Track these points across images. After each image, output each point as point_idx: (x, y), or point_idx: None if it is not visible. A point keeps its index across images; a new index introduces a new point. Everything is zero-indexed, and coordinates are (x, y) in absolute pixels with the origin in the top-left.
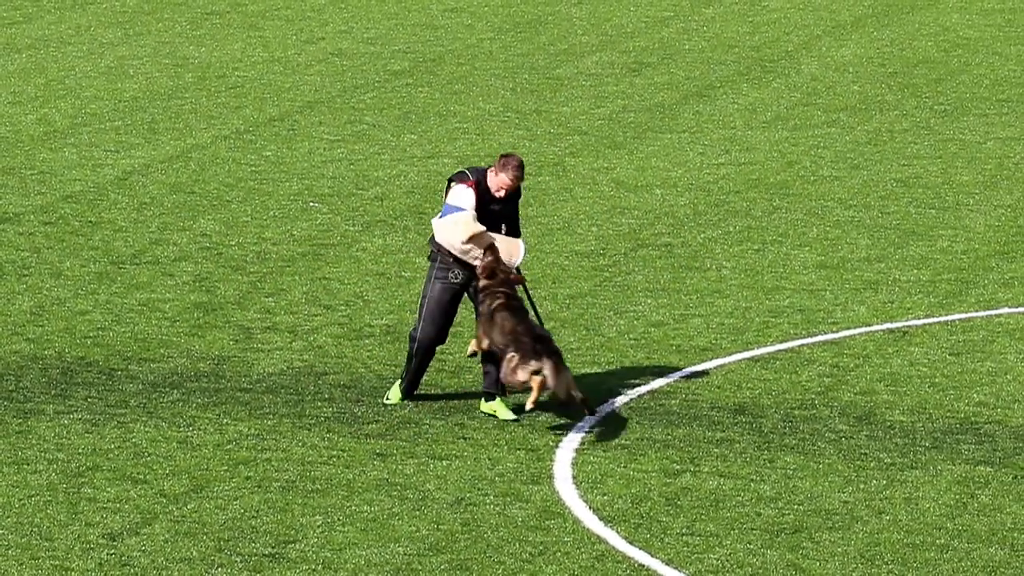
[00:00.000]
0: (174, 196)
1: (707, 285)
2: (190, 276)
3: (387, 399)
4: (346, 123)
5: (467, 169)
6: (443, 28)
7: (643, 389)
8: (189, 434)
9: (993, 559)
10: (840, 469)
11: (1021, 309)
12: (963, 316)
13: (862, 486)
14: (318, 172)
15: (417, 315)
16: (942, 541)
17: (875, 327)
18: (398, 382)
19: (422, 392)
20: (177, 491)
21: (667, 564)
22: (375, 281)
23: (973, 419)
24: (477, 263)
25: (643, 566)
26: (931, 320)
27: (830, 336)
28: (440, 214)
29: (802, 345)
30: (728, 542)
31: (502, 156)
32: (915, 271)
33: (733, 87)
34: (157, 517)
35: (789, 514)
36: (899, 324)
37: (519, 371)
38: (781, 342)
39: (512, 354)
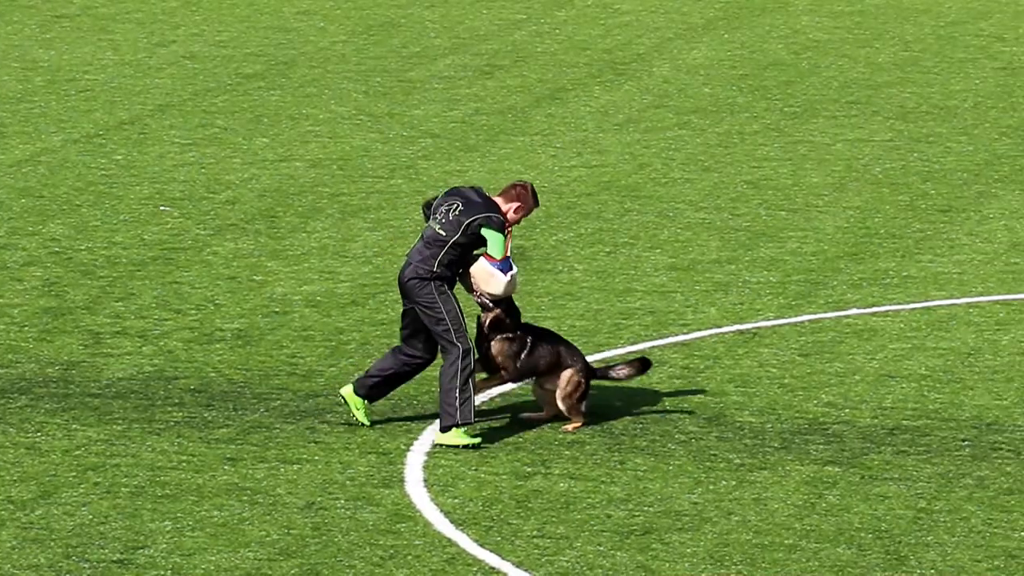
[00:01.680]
0: (23, 200)
1: (559, 287)
2: (39, 281)
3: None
4: (197, 126)
5: (492, 207)
6: (295, 31)
7: (494, 392)
8: (37, 440)
9: (840, 559)
10: (690, 470)
11: (870, 310)
12: (812, 317)
13: (712, 487)
14: (169, 176)
15: (444, 325)
16: (790, 541)
17: (725, 328)
18: (455, 439)
19: (273, 396)
20: (25, 497)
21: (518, 567)
22: (226, 285)
23: (822, 420)
24: (480, 302)
25: (494, 569)
26: (781, 321)
27: (680, 338)
28: (488, 251)
29: (653, 347)
30: (578, 544)
31: (518, 186)
32: (765, 273)
33: (585, 90)
34: (4, 524)
35: (639, 515)
36: (749, 325)
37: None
38: (632, 344)
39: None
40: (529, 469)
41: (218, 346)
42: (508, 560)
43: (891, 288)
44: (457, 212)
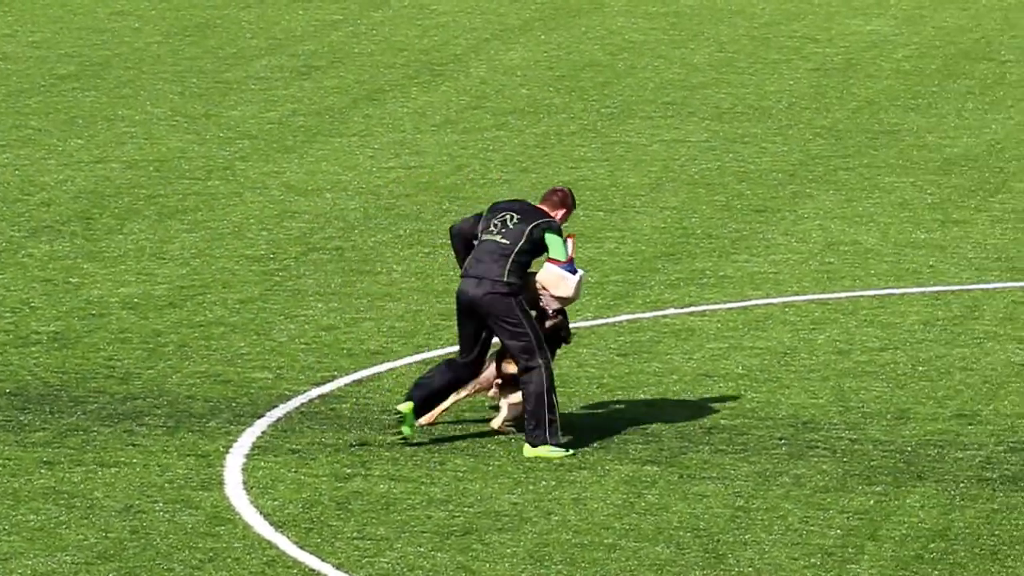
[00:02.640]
0: None
1: (378, 288)
2: None
3: (554, 458)
4: (11, 128)
5: (546, 214)
6: (110, 32)
7: (314, 393)
8: None
9: (660, 557)
10: (510, 471)
11: (687, 310)
12: (630, 317)
13: (531, 487)
14: None
15: (527, 340)
16: (610, 540)
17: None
18: (546, 454)
19: (90, 399)
20: None
21: (338, 568)
22: (42, 288)
23: (640, 419)
24: (547, 306)
25: (314, 571)
26: (599, 322)
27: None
28: (552, 255)
29: None
30: (399, 545)
31: (559, 191)
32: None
33: (402, 91)
34: None
35: (459, 516)
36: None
37: None
38: (452, 345)
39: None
40: (349, 471)
41: (34, 349)
42: (328, 562)
43: (708, 288)
44: (516, 221)
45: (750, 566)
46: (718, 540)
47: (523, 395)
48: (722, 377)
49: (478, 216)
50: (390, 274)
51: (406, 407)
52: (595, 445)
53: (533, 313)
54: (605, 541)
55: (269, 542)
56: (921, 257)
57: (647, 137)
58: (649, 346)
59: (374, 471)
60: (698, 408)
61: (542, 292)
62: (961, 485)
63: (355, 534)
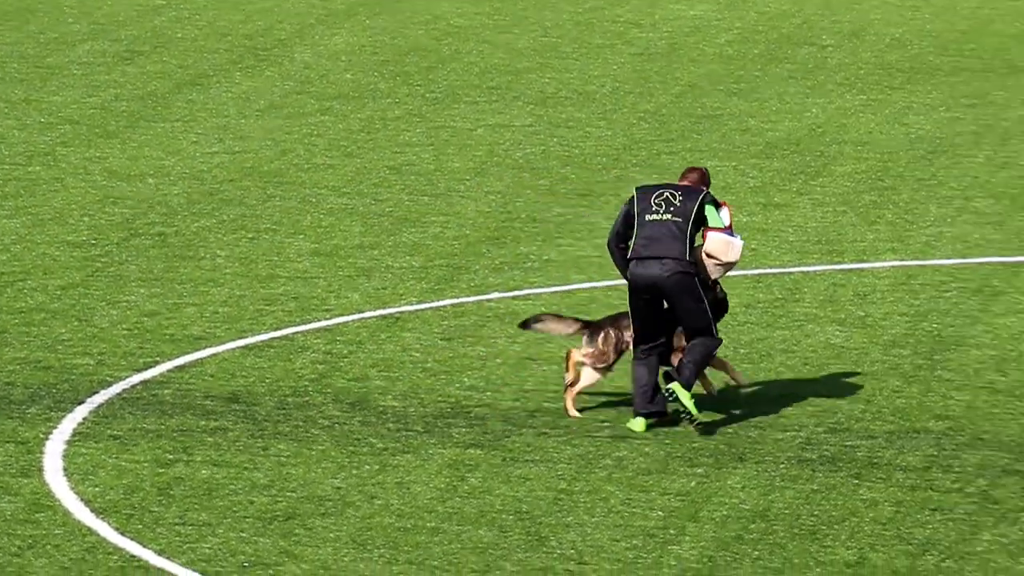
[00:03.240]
0: None
1: (201, 274)
2: None
3: (695, 416)
4: None
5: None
6: None
7: (136, 379)
8: None
9: (483, 540)
10: (333, 455)
11: (511, 294)
12: (454, 301)
13: (355, 472)
14: None
15: (707, 315)
16: (433, 524)
17: (368, 313)
18: (684, 397)
19: None
20: None
21: (159, 554)
22: None
23: (464, 403)
24: (709, 276)
25: (135, 557)
26: (423, 306)
27: (323, 323)
28: (712, 224)
29: (296, 332)
30: (221, 531)
31: (696, 169)
32: (408, 257)
33: (226, 76)
34: None
35: (282, 501)
36: (392, 310)
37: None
38: (275, 330)
39: None
40: (171, 456)
41: None
42: (149, 548)
43: (532, 272)
44: (680, 199)
45: (572, 548)
46: (540, 523)
47: (687, 352)
48: (545, 360)
49: (627, 213)
50: (213, 259)
51: (639, 425)
52: (418, 429)
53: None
54: (428, 525)
55: (90, 528)
56: (744, 240)
57: (472, 122)
58: (473, 330)
59: (196, 457)
60: (521, 391)
61: (707, 261)
62: (781, 466)
63: (177, 520)
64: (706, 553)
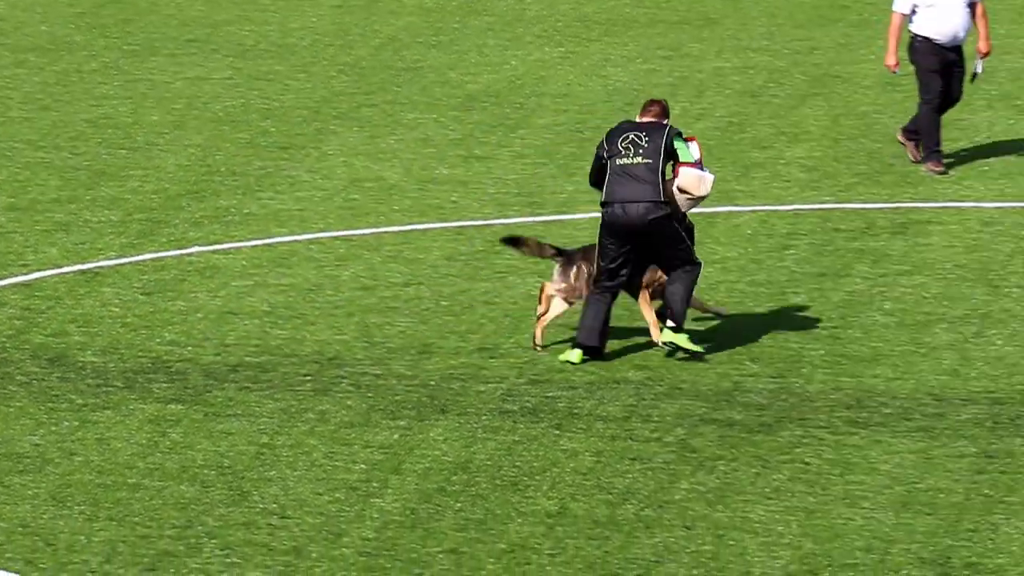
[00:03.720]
0: None
1: None
2: None
3: (701, 351)
4: None
5: (660, 123)
6: None
7: None
8: None
9: (184, 496)
10: (32, 412)
11: (211, 248)
12: (154, 256)
13: (54, 428)
14: None
15: (686, 252)
16: (133, 480)
17: (66, 268)
18: (682, 341)
19: None
20: None
21: None
22: None
23: (165, 358)
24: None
25: None
26: (123, 260)
27: (21, 278)
28: (683, 159)
29: None
30: None
31: (657, 102)
32: (106, 212)
33: None
34: None
35: None
36: (90, 265)
37: None
38: None
39: None
40: None
41: None
42: None
43: (233, 226)
44: (647, 140)
45: (275, 502)
46: (243, 477)
47: (671, 289)
48: (247, 315)
49: (600, 159)
50: None
51: (576, 356)
52: (119, 385)
53: None
54: (129, 481)
55: None
56: (444, 192)
57: (170, 75)
58: (173, 284)
59: None
60: (223, 346)
61: (678, 196)
62: (483, 418)
63: None
64: (408, 505)
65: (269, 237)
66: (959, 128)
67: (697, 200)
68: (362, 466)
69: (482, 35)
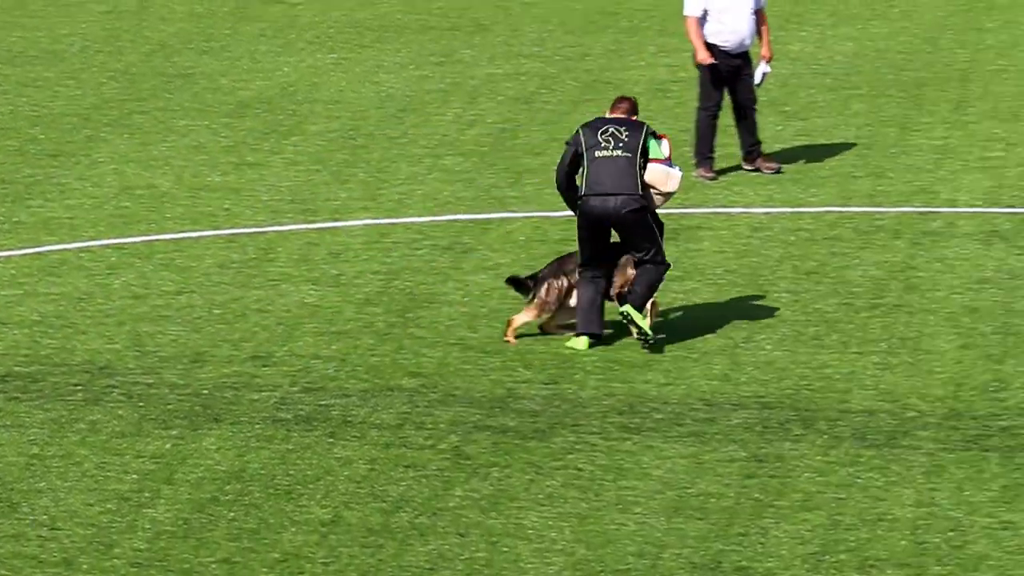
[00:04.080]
0: None
1: None
2: None
3: (649, 335)
4: None
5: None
6: None
7: None
8: None
9: None
10: None
11: None
12: None
13: None
14: None
15: (657, 246)
16: None
17: None
18: (639, 317)
19: None
20: None
21: None
22: None
23: None
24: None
25: None
26: None
27: None
28: (653, 156)
29: None
30: None
31: (626, 100)
32: None
33: None
34: None
35: None
36: None
37: None
38: None
39: None
40: None
41: None
42: None
43: (2, 234)
44: (626, 135)
45: (45, 514)
46: (12, 489)
47: (638, 277)
48: (16, 324)
49: (575, 152)
50: None
51: (582, 343)
52: None
53: None
54: None
55: None
56: (216, 200)
57: None
58: None
59: None
60: None
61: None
62: (257, 426)
63: None
64: (181, 515)
65: (39, 246)
66: (728, 134)
67: (666, 196)
68: (134, 476)
69: (254, 41)
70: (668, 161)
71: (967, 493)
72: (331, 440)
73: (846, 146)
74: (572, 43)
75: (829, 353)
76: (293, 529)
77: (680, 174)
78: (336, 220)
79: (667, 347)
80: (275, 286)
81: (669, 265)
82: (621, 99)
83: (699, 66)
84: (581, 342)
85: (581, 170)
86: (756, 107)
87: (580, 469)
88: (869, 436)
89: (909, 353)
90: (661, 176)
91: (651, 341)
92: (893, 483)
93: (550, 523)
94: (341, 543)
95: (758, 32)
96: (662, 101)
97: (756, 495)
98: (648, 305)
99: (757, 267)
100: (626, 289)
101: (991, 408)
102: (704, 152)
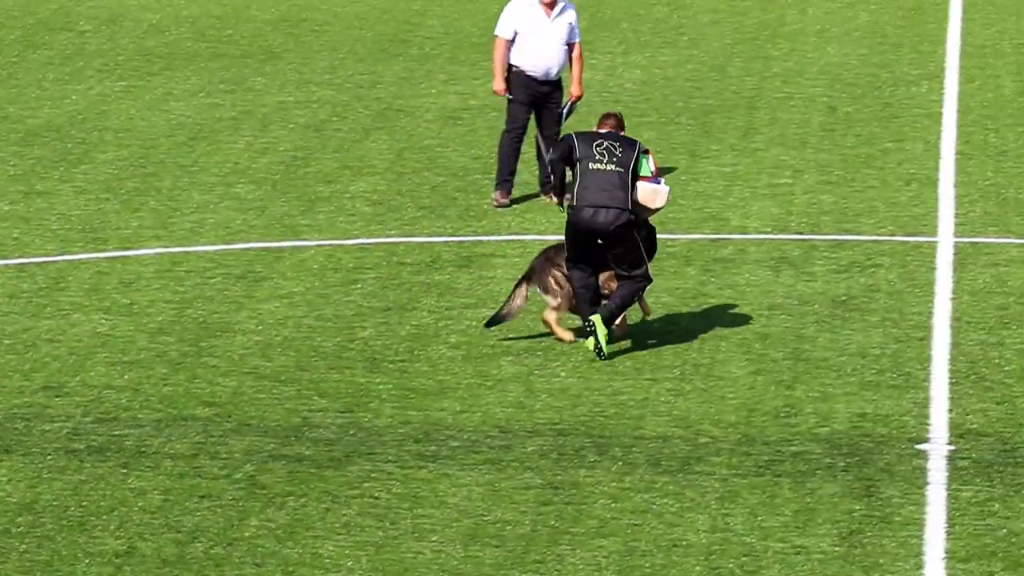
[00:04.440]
0: None
1: None
2: None
3: (604, 351)
4: None
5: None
6: None
7: None
8: None
9: None
10: None
11: None
12: None
13: None
14: None
15: (642, 262)
16: None
17: None
18: (601, 331)
19: None
20: None
21: None
22: None
23: None
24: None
25: None
26: None
27: None
28: (637, 174)
29: None
30: None
31: (613, 116)
32: None
33: None
34: None
35: None
36: None
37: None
38: None
39: None
40: None
41: None
42: None
43: None
44: (620, 151)
45: None
46: None
47: (617, 290)
48: None
49: (568, 150)
50: None
51: (601, 333)
52: None
53: None
54: None
55: None
56: (5, 229)
57: None
58: None
59: None
60: None
61: (637, 208)
62: (48, 457)
63: None
64: None
65: None
66: (523, 162)
67: (653, 212)
68: None
69: (42, 69)
70: (655, 177)
71: (760, 518)
72: (124, 471)
73: None
74: (363, 71)
75: (623, 380)
76: (87, 561)
77: (667, 189)
78: (127, 249)
79: (462, 374)
80: (66, 316)
81: (650, 281)
82: (608, 115)
83: (508, 88)
84: (592, 342)
85: (573, 177)
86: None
87: (376, 497)
88: (663, 462)
89: (702, 379)
90: (649, 194)
91: (602, 355)
92: (687, 509)
93: (347, 552)
94: (136, 574)
95: (570, 65)
96: (453, 128)
97: (552, 522)
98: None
99: None
100: (605, 292)
101: (782, 433)
102: (503, 175)
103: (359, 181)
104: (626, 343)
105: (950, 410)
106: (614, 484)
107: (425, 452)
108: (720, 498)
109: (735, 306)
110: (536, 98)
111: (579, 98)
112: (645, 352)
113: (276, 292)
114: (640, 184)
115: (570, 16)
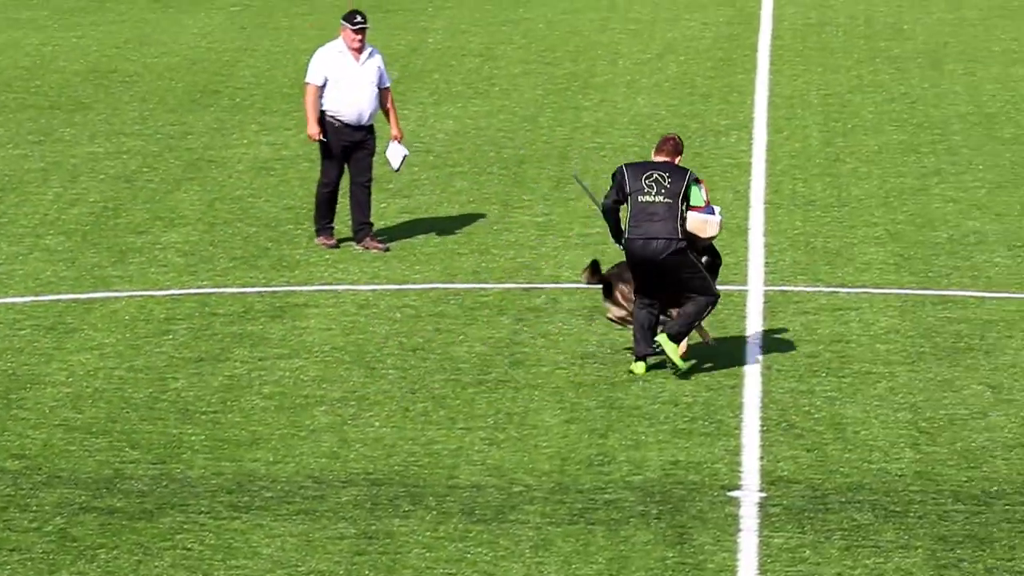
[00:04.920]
0: None
1: None
2: None
3: (680, 367)
4: None
5: (677, 165)
6: None
7: None
8: None
9: None
10: None
11: None
12: None
13: None
14: None
15: (705, 280)
16: None
17: None
18: (671, 349)
19: None
20: None
21: None
22: None
23: None
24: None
25: None
26: None
27: None
28: (694, 203)
29: None
30: None
31: (671, 139)
32: None
33: None
34: None
35: None
36: None
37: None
38: None
39: None
40: None
41: None
42: None
43: None
44: (669, 181)
45: None
46: None
47: (682, 309)
48: None
49: (620, 191)
50: None
51: (640, 368)
52: None
53: None
54: None
55: None
56: None
57: None
58: None
59: None
60: None
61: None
62: None
63: None
64: None
65: None
66: (336, 211)
67: (706, 241)
68: None
69: None
70: (708, 206)
71: (574, 566)
72: None
73: (450, 223)
74: (174, 121)
75: (436, 429)
76: None
77: (719, 219)
78: None
79: (275, 425)
80: None
81: (717, 297)
82: (666, 140)
83: (322, 136)
84: (640, 367)
85: (625, 208)
86: (370, 186)
87: (189, 549)
88: (477, 511)
89: (516, 428)
90: (700, 224)
91: (678, 371)
92: (502, 557)
93: None
94: None
95: (384, 110)
96: (265, 179)
97: (366, 572)
98: (695, 331)
99: (364, 344)
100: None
101: (596, 482)
102: (322, 223)
103: (171, 232)
104: (442, 391)
105: (761, 457)
106: (428, 533)
107: (238, 503)
108: (534, 547)
109: (548, 355)
110: (349, 146)
111: (401, 139)
112: (459, 401)
113: (87, 343)
114: (691, 215)
115: (378, 60)
